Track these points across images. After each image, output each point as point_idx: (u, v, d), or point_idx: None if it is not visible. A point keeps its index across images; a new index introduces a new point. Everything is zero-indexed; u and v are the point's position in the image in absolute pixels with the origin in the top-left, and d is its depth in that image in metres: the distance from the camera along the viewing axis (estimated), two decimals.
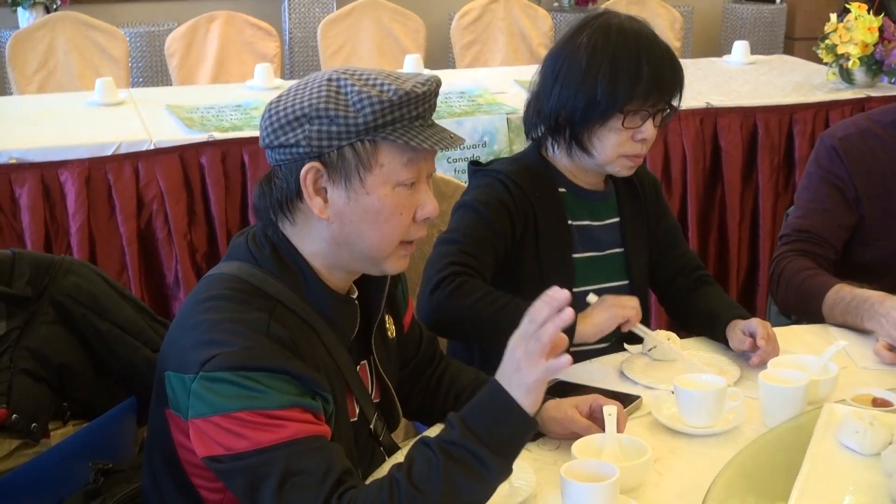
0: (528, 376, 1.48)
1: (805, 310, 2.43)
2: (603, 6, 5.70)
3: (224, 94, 4.33)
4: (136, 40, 5.46)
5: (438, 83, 1.66)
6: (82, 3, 5.67)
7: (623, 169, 2.28)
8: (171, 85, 4.98)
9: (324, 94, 1.60)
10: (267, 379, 1.52)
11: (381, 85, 1.59)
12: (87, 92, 4.25)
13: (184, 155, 3.65)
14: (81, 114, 3.99)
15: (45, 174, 3.49)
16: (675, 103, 2.27)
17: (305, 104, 1.60)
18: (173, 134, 3.73)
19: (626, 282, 2.34)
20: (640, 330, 2.19)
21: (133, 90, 4.42)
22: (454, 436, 1.48)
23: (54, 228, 3.53)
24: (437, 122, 1.69)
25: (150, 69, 5.55)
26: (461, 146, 1.75)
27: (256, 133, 3.56)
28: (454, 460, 1.46)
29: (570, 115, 2.21)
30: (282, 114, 1.62)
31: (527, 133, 2.36)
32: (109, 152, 3.57)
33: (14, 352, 1.87)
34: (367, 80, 1.60)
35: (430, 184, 1.69)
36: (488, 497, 1.51)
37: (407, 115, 1.60)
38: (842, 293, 2.33)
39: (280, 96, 1.66)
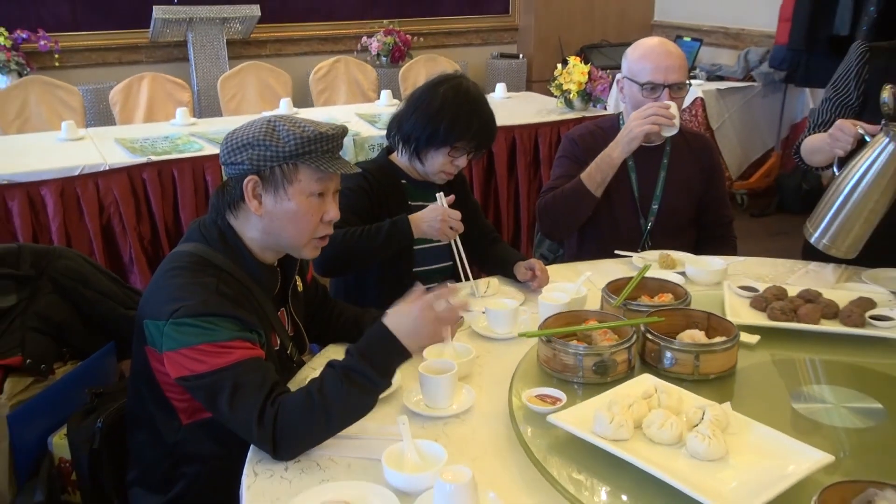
0: (424, 340, 1.52)
1: (574, 206, 2.47)
2: (409, 63, 5.69)
3: (155, 130, 4.13)
4: (87, 94, 5.17)
5: (345, 131, 1.65)
6: (46, 69, 5.35)
7: (439, 179, 2.32)
8: (115, 125, 4.73)
9: (263, 130, 1.58)
10: (218, 321, 1.48)
11: (304, 127, 1.58)
12: (55, 132, 4.00)
13: (130, 173, 3.50)
14: (53, 147, 3.75)
15: (30, 190, 3.31)
16: (483, 151, 2.32)
17: (250, 136, 1.58)
18: (122, 158, 3.54)
19: (446, 242, 2.32)
20: (456, 246, 2.23)
21: (89, 129, 4.18)
22: (354, 363, 1.48)
23: (39, 228, 3.35)
24: None
25: (99, 114, 5.26)
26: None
27: (182, 156, 3.59)
28: (353, 380, 1.46)
29: (417, 137, 2.22)
30: (234, 142, 1.60)
31: (387, 135, 2.35)
32: (76, 173, 3.39)
33: (24, 316, 1.79)
34: (296, 123, 1.60)
35: (335, 197, 1.68)
36: (374, 403, 1.51)
37: (320, 149, 1.59)
38: (588, 168, 2.45)
39: (235, 130, 1.63)
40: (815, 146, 2.36)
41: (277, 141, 1.56)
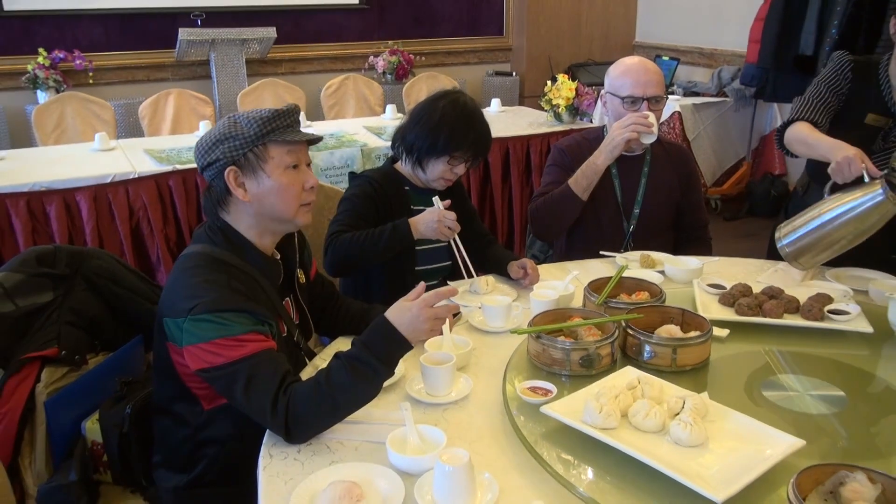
0: (422, 334, 1.49)
1: (562, 209, 2.45)
2: (412, 80, 5.68)
3: (180, 141, 4.12)
4: (119, 109, 5.16)
5: (298, 108, 1.64)
6: (81, 86, 5.33)
7: (439, 186, 2.30)
8: (144, 137, 4.72)
9: (226, 125, 1.58)
10: (232, 316, 1.46)
11: (260, 111, 1.58)
12: (89, 143, 4.00)
13: (158, 180, 3.49)
14: (87, 157, 3.74)
15: (66, 196, 3.30)
16: (480, 159, 2.31)
17: (217, 134, 1.58)
18: (150, 167, 3.53)
19: (445, 243, 2.31)
20: (456, 245, 2.17)
21: (120, 140, 4.17)
22: (359, 353, 1.46)
23: (74, 231, 3.34)
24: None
25: (129, 127, 5.26)
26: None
27: None
28: (357, 370, 1.44)
29: (419, 147, 2.21)
30: (205, 144, 1.60)
31: (392, 145, 2.34)
32: (108, 180, 3.39)
33: (60, 311, 1.76)
34: (252, 111, 1.60)
35: (309, 169, 1.67)
36: (378, 390, 1.49)
37: (281, 125, 1.58)
38: (575, 174, 2.42)
39: (202, 136, 1.62)
40: (807, 141, 2.25)
41: (241, 129, 1.56)
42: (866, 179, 2.00)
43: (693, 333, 1.68)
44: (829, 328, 1.84)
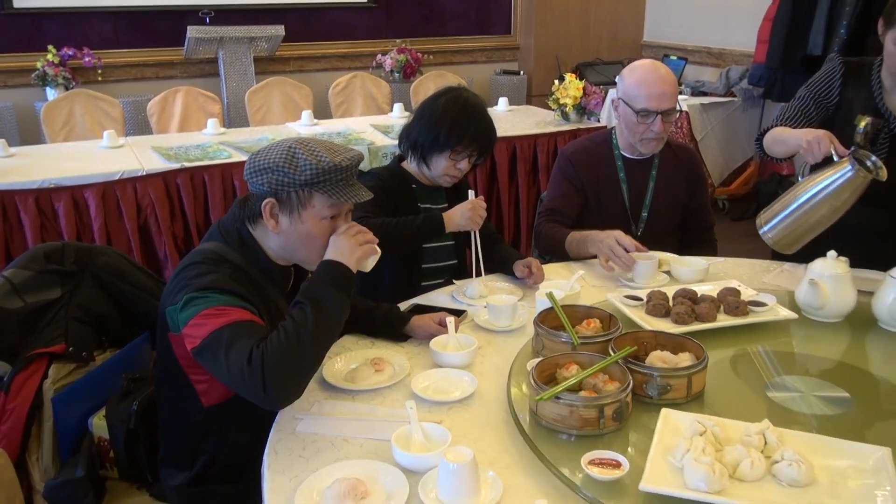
0: (356, 250, 1.59)
1: (556, 250, 2.46)
2: (419, 79, 5.68)
3: (188, 138, 4.13)
4: (127, 106, 5.16)
5: (360, 158, 1.62)
6: (90, 83, 5.35)
7: (445, 182, 2.30)
8: (152, 134, 4.73)
9: (283, 156, 1.55)
10: (219, 293, 1.49)
11: (321, 157, 1.55)
12: (98, 140, 4.00)
13: (166, 177, 3.51)
14: (95, 154, 3.76)
15: (74, 193, 3.32)
16: (484, 155, 2.30)
17: (271, 161, 1.56)
18: (158, 164, 3.55)
19: (452, 242, 2.32)
20: (476, 241, 2.17)
21: (128, 138, 4.18)
22: (309, 288, 1.53)
23: (82, 228, 3.36)
24: None
25: (137, 124, 5.27)
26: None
27: (212, 162, 3.59)
28: (315, 300, 1.49)
29: (422, 143, 2.21)
30: (256, 164, 1.58)
31: (399, 144, 2.34)
32: (116, 177, 3.40)
33: (67, 307, 1.78)
34: (313, 151, 1.56)
35: (347, 217, 1.65)
36: (339, 323, 1.52)
37: (334, 178, 1.56)
38: (574, 235, 2.39)
39: (259, 151, 1.60)
40: (781, 138, 2.32)
41: (295, 169, 1.54)
42: (835, 158, 2.07)
43: (686, 355, 1.55)
44: (755, 322, 1.85)
